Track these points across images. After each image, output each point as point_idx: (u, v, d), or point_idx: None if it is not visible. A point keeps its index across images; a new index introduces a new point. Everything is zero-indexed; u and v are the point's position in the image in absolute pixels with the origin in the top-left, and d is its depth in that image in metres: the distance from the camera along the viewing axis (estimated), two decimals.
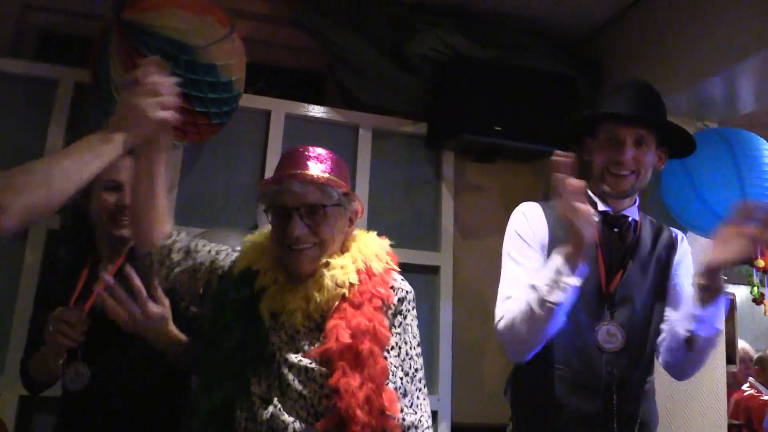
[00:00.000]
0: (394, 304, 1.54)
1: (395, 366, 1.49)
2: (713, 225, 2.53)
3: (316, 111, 3.02)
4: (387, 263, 1.59)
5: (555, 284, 1.62)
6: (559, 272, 1.62)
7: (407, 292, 1.58)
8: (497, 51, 3.04)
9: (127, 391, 1.77)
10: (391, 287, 1.55)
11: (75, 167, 1.29)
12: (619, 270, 1.81)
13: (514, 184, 3.31)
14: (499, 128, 2.89)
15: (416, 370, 1.55)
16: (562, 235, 1.76)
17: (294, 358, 1.44)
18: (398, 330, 1.53)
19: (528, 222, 1.88)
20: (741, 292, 5.31)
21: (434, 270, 3.02)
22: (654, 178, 2.74)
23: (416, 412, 1.51)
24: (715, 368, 2.80)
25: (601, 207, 1.87)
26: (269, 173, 2.84)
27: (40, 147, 2.62)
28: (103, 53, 2.33)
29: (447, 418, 2.85)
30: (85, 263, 1.92)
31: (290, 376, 1.42)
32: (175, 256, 1.58)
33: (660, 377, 2.67)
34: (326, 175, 1.50)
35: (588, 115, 1.95)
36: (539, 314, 1.63)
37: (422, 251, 3.02)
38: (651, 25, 2.90)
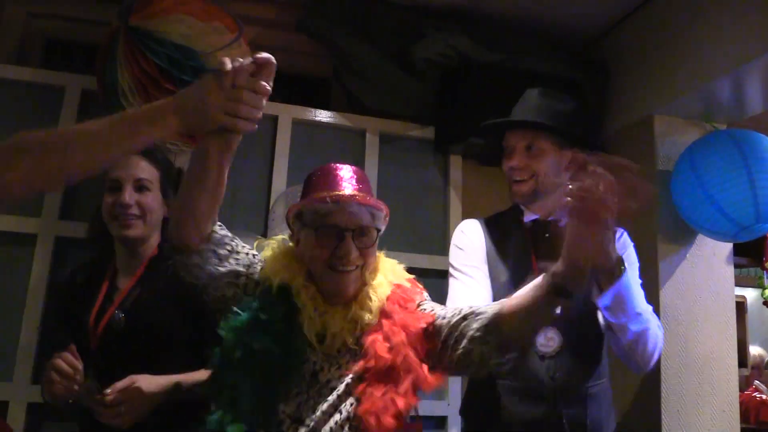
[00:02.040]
0: (419, 304, 1.56)
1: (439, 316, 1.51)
2: (724, 227, 2.54)
3: (323, 116, 3.01)
4: (412, 280, 1.63)
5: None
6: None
7: (425, 297, 1.62)
8: (504, 54, 3.03)
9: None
10: (417, 292, 1.60)
11: (106, 140, 1.18)
12: None
13: None
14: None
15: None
16: (499, 249, 1.89)
17: (337, 375, 1.43)
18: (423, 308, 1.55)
19: (468, 237, 1.96)
20: (751, 295, 5.29)
21: (442, 274, 2.99)
22: (664, 181, 2.75)
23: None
24: (727, 372, 2.78)
25: (530, 216, 1.94)
26: (276, 178, 2.84)
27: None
28: (110, 60, 2.33)
29: (457, 425, 2.83)
30: (105, 275, 1.89)
31: (332, 397, 1.40)
32: (222, 253, 1.50)
33: (669, 383, 2.67)
34: (373, 198, 1.52)
35: (482, 127, 2.06)
36: None
37: (430, 255, 3.01)
38: (658, 28, 2.89)
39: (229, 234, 1.54)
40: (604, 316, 1.69)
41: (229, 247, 1.51)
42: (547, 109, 1.91)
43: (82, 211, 2.56)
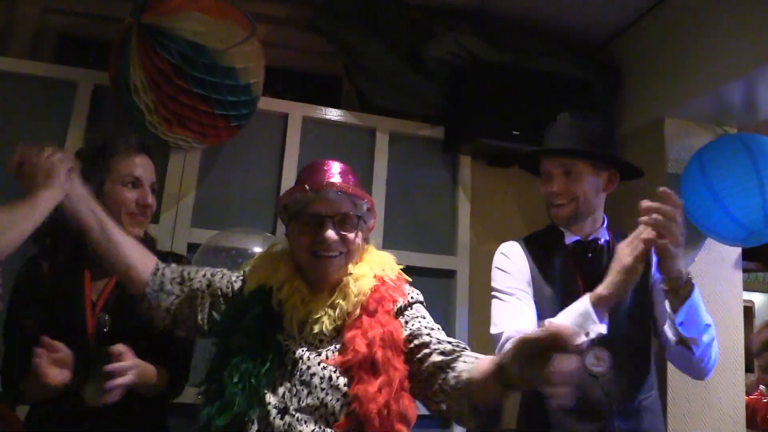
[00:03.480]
0: (401, 307, 1.56)
1: (415, 332, 1.51)
2: (734, 231, 2.53)
3: (333, 114, 3.02)
4: (399, 273, 1.65)
5: (580, 329, 1.64)
6: (586, 317, 1.65)
7: (412, 297, 1.61)
8: (515, 55, 3.03)
9: (136, 403, 1.72)
10: (401, 294, 1.59)
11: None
12: None
13: (531, 188, 3.26)
14: (517, 132, 2.87)
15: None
16: (544, 271, 1.92)
17: (318, 366, 1.45)
18: (406, 318, 1.55)
19: (511, 260, 1.98)
20: (759, 300, 5.26)
21: (450, 274, 3.01)
22: (673, 184, 2.74)
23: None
24: (733, 376, 2.78)
25: (570, 237, 1.98)
26: (286, 176, 2.85)
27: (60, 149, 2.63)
28: (122, 56, 2.34)
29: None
30: (81, 266, 1.85)
31: (313, 383, 1.43)
32: (170, 287, 1.61)
33: (676, 387, 2.66)
34: (353, 186, 1.56)
35: (524, 153, 2.11)
36: None
37: (438, 255, 3.01)
38: (670, 30, 2.88)
39: (174, 267, 1.66)
40: (678, 332, 1.70)
41: (178, 279, 1.63)
42: (581, 134, 1.96)
43: None
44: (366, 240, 1.64)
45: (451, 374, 1.37)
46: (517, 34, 3.11)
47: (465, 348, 1.45)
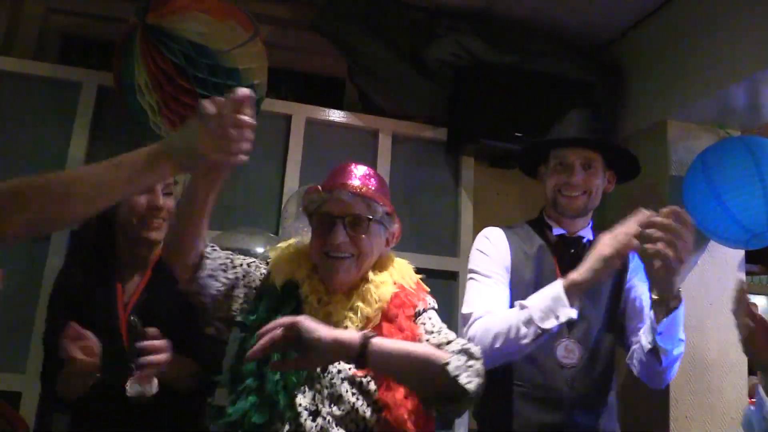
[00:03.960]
0: (417, 311, 1.56)
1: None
2: (736, 233, 2.53)
3: (336, 116, 3.03)
4: (418, 282, 1.65)
5: (551, 312, 1.66)
6: (557, 300, 1.67)
7: (429, 304, 1.61)
8: (517, 56, 3.03)
9: (174, 398, 1.75)
10: (420, 299, 1.59)
11: (103, 185, 1.21)
12: None
13: (534, 190, 3.25)
14: (520, 134, 2.88)
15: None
16: (524, 259, 1.93)
17: (347, 369, 1.44)
18: (417, 323, 1.55)
19: (493, 244, 1.98)
20: (762, 302, 5.25)
21: (453, 276, 3.01)
22: (676, 186, 2.74)
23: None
24: (737, 379, 2.77)
25: (557, 230, 1.99)
26: (289, 177, 2.86)
27: (64, 149, 2.65)
28: (126, 56, 2.35)
29: (464, 425, 2.83)
30: (113, 273, 1.90)
31: (344, 388, 1.42)
32: (218, 273, 1.55)
33: (678, 389, 2.66)
34: (373, 191, 1.54)
35: (538, 142, 2.06)
36: (523, 334, 1.67)
37: (441, 257, 3.02)
38: (673, 32, 2.88)
39: (220, 252, 1.58)
40: (654, 341, 1.71)
41: (224, 265, 1.56)
42: (597, 130, 1.98)
43: None
44: (387, 246, 1.63)
45: None
46: (520, 35, 3.11)
47: (452, 341, 1.45)
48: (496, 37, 3.04)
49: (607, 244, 1.66)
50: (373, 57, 2.97)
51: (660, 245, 1.57)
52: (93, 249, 1.96)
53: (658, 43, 2.97)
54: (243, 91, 1.27)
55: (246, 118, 1.27)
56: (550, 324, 1.66)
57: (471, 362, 1.35)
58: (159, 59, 2.27)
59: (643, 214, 1.66)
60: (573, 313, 1.66)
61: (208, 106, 1.24)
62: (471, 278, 1.96)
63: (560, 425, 1.82)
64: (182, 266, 1.49)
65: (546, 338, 1.71)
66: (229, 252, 1.63)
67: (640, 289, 1.96)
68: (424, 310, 1.58)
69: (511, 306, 1.81)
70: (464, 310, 1.87)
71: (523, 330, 1.67)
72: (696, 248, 2.78)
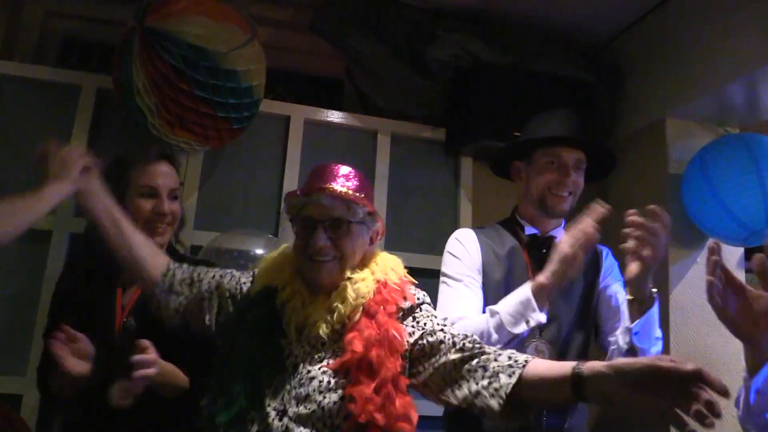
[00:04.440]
0: (405, 309, 1.55)
1: (417, 334, 1.50)
2: (735, 231, 2.53)
3: (335, 116, 3.03)
4: (404, 276, 1.63)
5: (521, 316, 1.68)
6: (527, 305, 1.68)
7: (419, 298, 1.60)
8: (516, 56, 3.03)
9: (150, 408, 1.72)
10: (404, 297, 1.57)
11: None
12: None
13: None
14: (519, 134, 2.87)
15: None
16: (494, 260, 1.92)
17: (317, 369, 1.45)
18: (412, 323, 1.54)
19: (464, 246, 1.98)
20: None
21: None
22: (674, 185, 2.74)
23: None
24: (736, 376, 2.76)
25: (530, 230, 1.99)
26: (288, 178, 2.86)
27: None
28: (125, 59, 2.36)
29: None
30: (114, 272, 1.90)
31: (311, 387, 1.42)
32: (179, 288, 1.62)
33: None
34: (353, 192, 1.53)
35: (535, 138, 2.01)
36: (494, 340, 1.69)
37: (440, 257, 2.99)
38: (671, 30, 2.88)
39: (185, 267, 1.66)
40: (630, 341, 1.72)
41: (188, 280, 1.64)
42: (586, 130, 2.01)
43: None
44: (371, 244, 1.62)
45: (481, 372, 1.38)
46: (519, 35, 3.11)
47: (480, 344, 1.45)
48: (495, 38, 3.04)
49: (566, 243, 1.69)
50: (372, 58, 2.97)
51: (634, 244, 1.60)
52: (95, 252, 1.96)
53: (655, 41, 2.97)
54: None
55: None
56: (521, 329, 1.68)
57: None
58: (158, 62, 2.27)
59: (598, 209, 1.68)
60: (542, 317, 1.69)
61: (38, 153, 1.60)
62: (443, 282, 1.96)
63: (527, 427, 1.81)
64: (149, 280, 1.63)
65: (516, 342, 1.73)
66: (204, 267, 1.69)
67: (614, 288, 1.97)
68: (418, 306, 1.57)
69: (484, 308, 1.82)
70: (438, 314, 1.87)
71: (495, 336, 1.69)
72: (695, 246, 2.79)
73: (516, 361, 1.35)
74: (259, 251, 2.40)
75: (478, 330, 1.71)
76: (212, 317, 1.61)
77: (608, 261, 2.01)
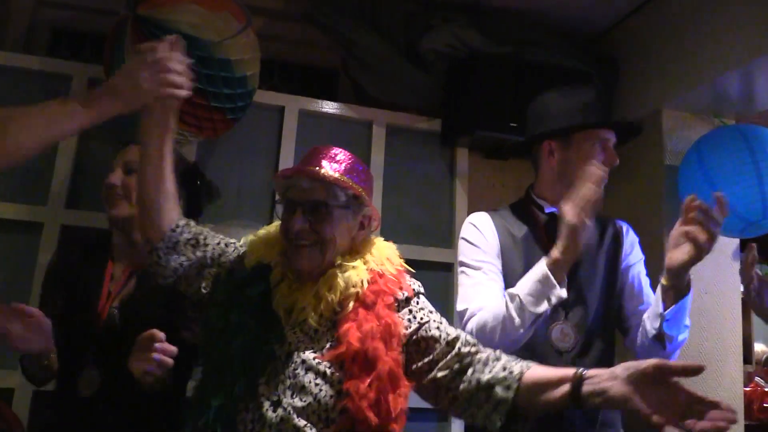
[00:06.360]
0: (402, 300, 1.52)
1: (414, 328, 1.49)
2: (732, 222, 2.52)
3: (330, 107, 3.01)
4: (400, 265, 1.60)
5: (542, 295, 1.64)
6: (545, 282, 1.64)
7: (414, 289, 1.58)
8: (512, 47, 3.02)
9: (135, 398, 1.70)
10: (400, 287, 1.54)
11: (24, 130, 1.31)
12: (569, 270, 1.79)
13: (529, 181, 3.26)
14: (515, 124, 2.86)
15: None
16: (512, 243, 1.87)
17: (312, 359, 1.41)
18: (408, 316, 1.51)
19: (480, 231, 1.92)
20: None
21: (448, 267, 3.01)
22: (671, 176, 2.74)
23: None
24: (732, 368, 2.78)
25: (549, 209, 1.92)
26: (282, 168, 2.84)
27: (55, 142, 2.61)
28: (117, 49, 2.33)
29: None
30: (104, 263, 1.90)
31: (307, 378, 1.39)
32: (183, 249, 1.57)
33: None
34: (336, 175, 1.49)
35: (601, 124, 1.92)
36: (518, 323, 1.65)
37: (436, 248, 3.01)
38: (667, 21, 2.87)
39: (194, 227, 1.60)
40: (660, 327, 1.70)
41: (193, 241, 1.58)
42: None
43: (88, 201, 2.58)
44: (362, 230, 1.58)
45: (477, 375, 1.39)
46: (515, 26, 3.10)
47: (476, 346, 1.45)
48: (491, 28, 3.02)
49: (570, 213, 1.65)
50: (367, 48, 2.95)
51: (696, 228, 1.59)
52: (88, 235, 2.01)
53: (652, 32, 2.96)
54: (172, 36, 1.50)
55: (179, 54, 1.47)
56: (543, 307, 1.64)
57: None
58: None
59: (596, 172, 1.66)
60: (563, 293, 1.65)
61: (146, 45, 1.43)
62: (462, 272, 1.90)
63: (559, 413, 1.77)
64: (154, 229, 1.55)
65: (541, 322, 1.70)
66: (211, 232, 1.63)
67: (636, 268, 1.93)
68: (415, 295, 1.55)
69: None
70: (459, 306, 1.84)
71: (518, 320, 1.65)
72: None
73: (511, 372, 1.36)
74: None
75: (499, 316, 1.67)
76: (209, 285, 1.57)
77: (630, 237, 1.96)
